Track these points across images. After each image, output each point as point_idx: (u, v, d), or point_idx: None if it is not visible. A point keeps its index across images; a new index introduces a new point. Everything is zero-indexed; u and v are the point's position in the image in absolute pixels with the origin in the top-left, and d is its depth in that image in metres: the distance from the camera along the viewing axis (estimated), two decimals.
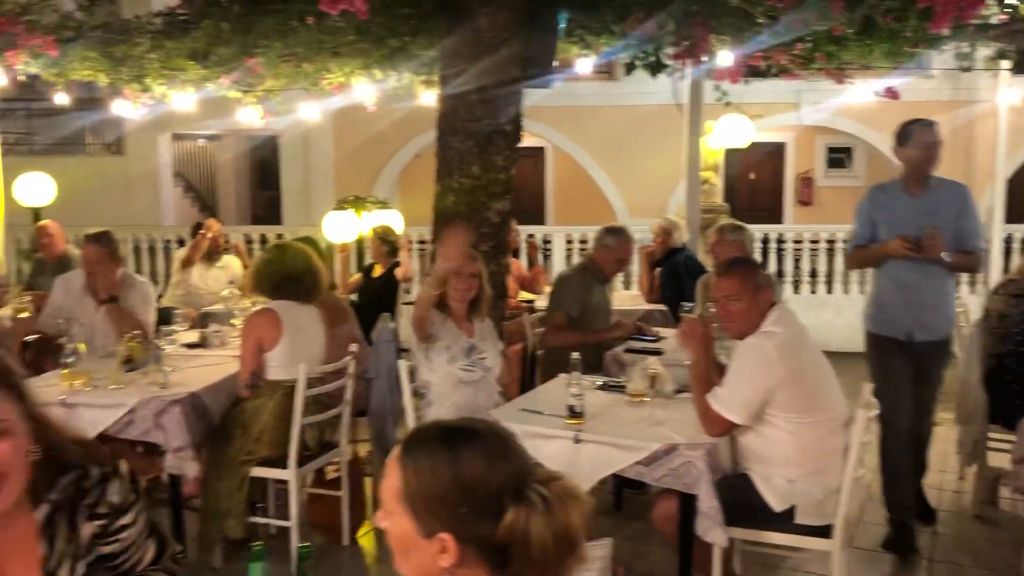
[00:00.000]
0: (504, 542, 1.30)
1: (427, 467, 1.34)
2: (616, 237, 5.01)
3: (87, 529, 1.70)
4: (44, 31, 6.24)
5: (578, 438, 3.23)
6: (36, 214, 7.00)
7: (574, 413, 3.31)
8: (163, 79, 6.83)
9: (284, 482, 3.91)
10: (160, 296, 6.37)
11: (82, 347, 3.98)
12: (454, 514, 1.31)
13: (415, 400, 3.91)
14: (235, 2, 5.29)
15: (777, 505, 3.15)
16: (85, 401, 3.73)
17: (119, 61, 6.65)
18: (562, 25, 5.10)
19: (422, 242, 9.21)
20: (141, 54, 6.52)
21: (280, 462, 3.85)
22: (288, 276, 3.98)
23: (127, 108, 7.35)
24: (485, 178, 4.85)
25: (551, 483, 1.35)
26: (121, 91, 7.14)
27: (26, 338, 4.45)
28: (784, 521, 3.15)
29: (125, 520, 1.74)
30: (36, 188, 7.02)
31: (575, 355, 3.41)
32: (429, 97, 7.29)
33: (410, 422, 3.87)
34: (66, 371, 3.85)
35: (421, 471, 1.34)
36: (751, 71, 5.78)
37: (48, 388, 3.73)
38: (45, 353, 4.39)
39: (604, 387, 3.82)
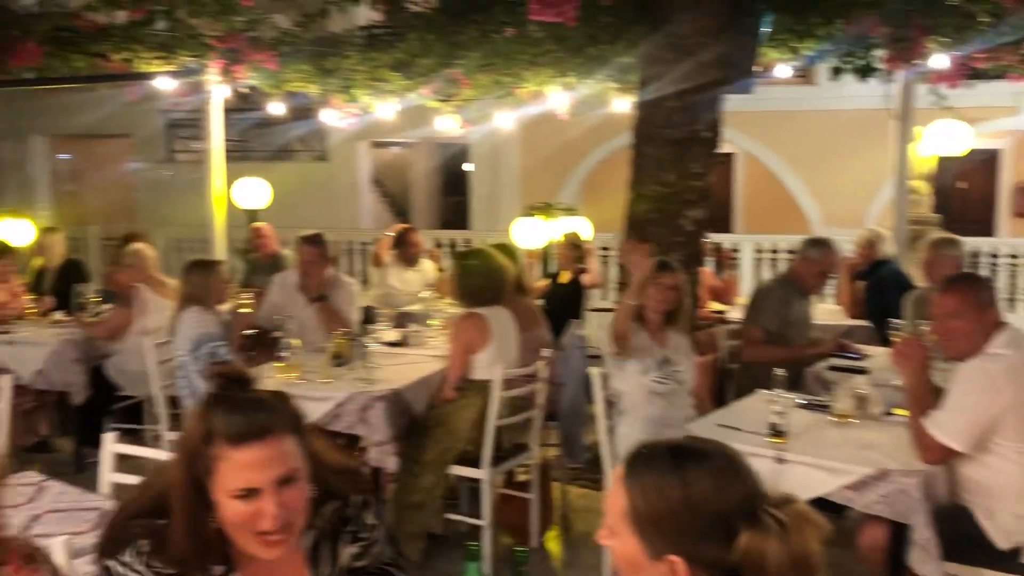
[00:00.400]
0: (737, 566, 1.25)
1: (654, 487, 1.30)
2: (819, 249, 4.80)
3: (348, 551, 1.75)
4: (266, 46, 6.73)
5: (781, 458, 3.10)
6: (252, 216, 7.53)
7: (776, 431, 3.19)
8: (368, 89, 7.20)
9: (475, 481, 4.01)
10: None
11: (296, 342, 4.23)
12: (684, 536, 1.28)
13: (607, 408, 3.90)
14: (440, 14, 5.49)
15: (1002, 542, 2.90)
16: (297, 393, 3.86)
17: (329, 73, 7.07)
18: (765, 29, 4.95)
19: (605, 249, 9.20)
20: (350, 66, 6.90)
21: (474, 461, 3.94)
22: (490, 282, 4.08)
23: (333, 117, 7.79)
24: (680, 185, 4.78)
25: (786, 506, 1.30)
26: (329, 101, 7.59)
27: (245, 332, 4.78)
28: (1008, 560, 2.91)
29: (377, 534, 1.78)
30: (252, 192, 7.57)
31: (778, 371, 3.29)
32: (620, 104, 7.28)
33: (600, 430, 3.86)
34: (280, 364, 4.11)
35: (648, 491, 1.31)
36: (972, 73, 5.40)
37: (264, 380, 3.99)
38: (262, 346, 4.70)
39: (806, 406, 3.65)
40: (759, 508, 1.28)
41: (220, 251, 7.36)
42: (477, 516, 4.01)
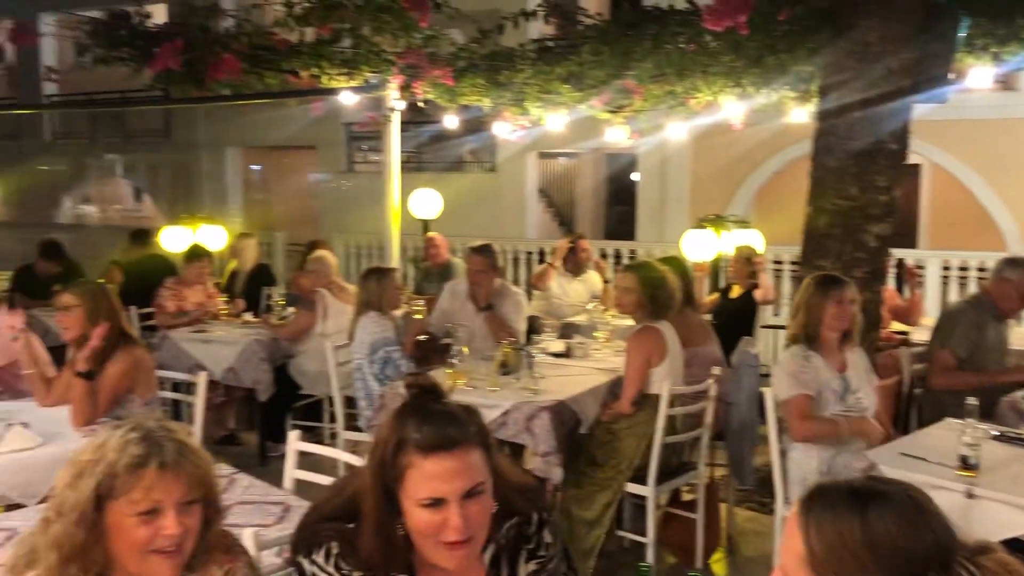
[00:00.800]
0: None
1: (834, 532, 1.22)
2: (1018, 269, 4.44)
3: (525, 569, 1.76)
4: (443, 62, 6.95)
5: (971, 492, 2.89)
6: (425, 225, 7.78)
7: (967, 464, 2.97)
8: (539, 102, 7.29)
9: (640, 497, 3.95)
10: None
11: (464, 349, 4.33)
12: None
13: (779, 430, 3.75)
14: (613, 25, 5.48)
15: None
16: (466, 400, 4.04)
17: (502, 86, 7.20)
18: (962, 34, 4.64)
19: (778, 262, 8.89)
20: (523, 79, 7.01)
21: (640, 477, 3.89)
22: (665, 295, 4.04)
23: (504, 130, 7.93)
24: (863, 199, 4.55)
25: (984, 555, 1.19)
26: (501, 114, 7.74)
27: (418, 337, 4.94)
28: None
29: (554, 552, 1.79)
30: (426, 202, 7.82)
31: (970, 400, 3.06)
32: (798, 113, 7.02)
33: (772, 452, 3.72)
34: (450, 370, 4.22)
35: (827, 535, 1.23)
36: None
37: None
38: (433, 352, 4.84)
39: (1001, 438, 3.39)
40: (953, 557, 1.18)
41: (394, 258, 7.65)
42: (641, 533, 3.96)
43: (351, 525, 1.66)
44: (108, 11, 7.84)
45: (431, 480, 1.55)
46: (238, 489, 2.86)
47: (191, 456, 1.61)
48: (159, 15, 8.87)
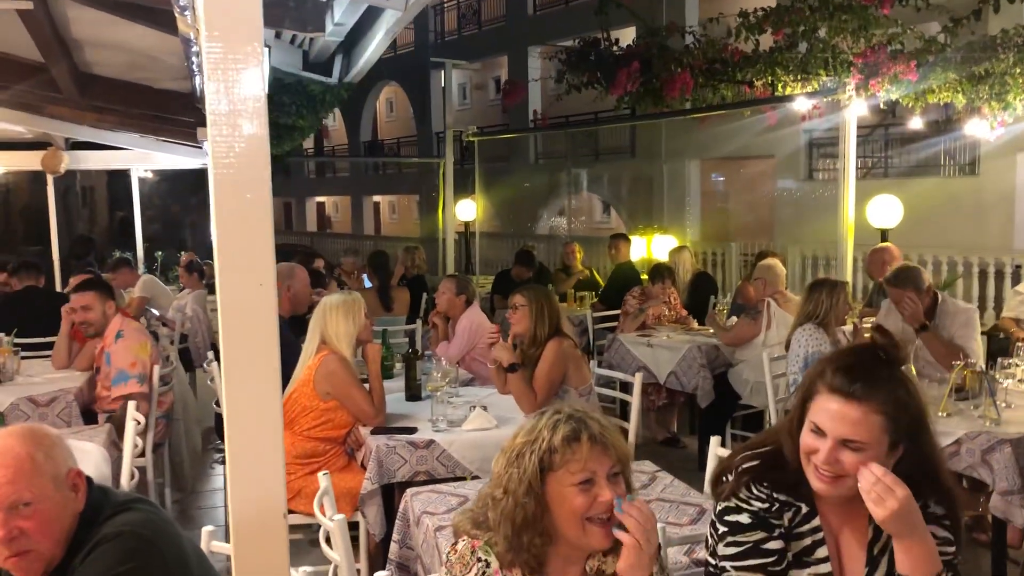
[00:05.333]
0: None
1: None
2: None
3: None
4: (906, 57, 6.45)
5: None
6: (883, 234, 7.26)
7: None
8: None
9: None
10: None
11: (911, 370, 3.97)
12: None
13: None
14: None
15: None
16: None
17: (979, 80, 6.46)
18: None
19: None
20: (1004, 70, 6.23)
21: None
22: None
23: (982, 128, 7.09)
24: None
25: None
26: (978, 111, 6.93)
27: None
28: None
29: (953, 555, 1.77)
30: (885, 210, 7.28)
31: None
32: None
33: None
34: None
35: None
36: None
37: None
38: None
39: None
40: None
41: (847, 269, 7.26)
42: None
43: (766, 448, 1.88)
44: (581, 39, 8.53)
45: (821, 412, 1.73)
46: (658, 487, 2.97)
47: (611, 432, 1.78)
48: (627, 38, 9.43)
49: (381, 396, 3.74)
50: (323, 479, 2.62)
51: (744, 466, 1.86)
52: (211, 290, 7.02)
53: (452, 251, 10.95)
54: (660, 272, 6.65)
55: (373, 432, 3.60)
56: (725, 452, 2.94)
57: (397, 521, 2.92)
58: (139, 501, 1.82)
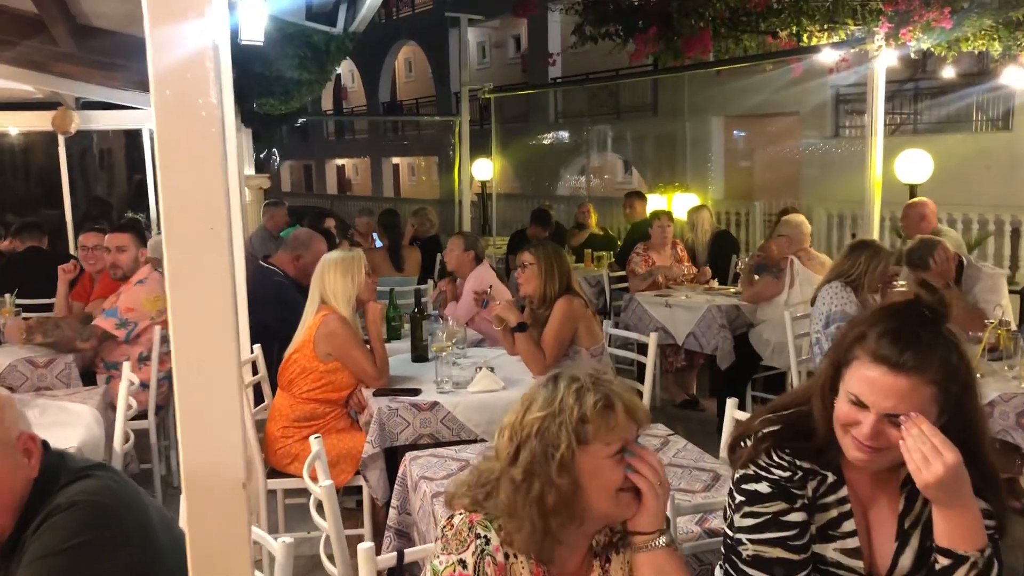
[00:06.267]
0: None
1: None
2: None
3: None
4: (940, 3, 6.14)
5: None
6: (912, 191, 7.00)
7: None
8: None
9: None
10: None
11: None
12: None
13: None
14: None
15: None
16: None
17: (1016, 26, 6.16)
18: None
19: None
20: None
21: None
22: None
23: (1020, 77, 6.78)
24: None
25: None
26: (1015, 59, 6.61)
27: None
28: None
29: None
30: (914, 165, 7.01)
31: None
32: None
33: None
34: None
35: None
36: None
37: None
38: None
39: None
40: None
41: (874, 227, 7.02)
42: None
43: (791, 411, 1.72)
44: None
45: (862, 383, 1.55)
46: (671, 450, 2.81)
47: (634, 395, 1.64)
48: None
49: (384, 357, 3.59)
50: (315, 443, 2.49)
51: (764, 431, 1.69)
52: None
53: (468, 212, 10.77)
54: (657, 214, 6.55)
55: (375, 394, 3.46)
56: (743, 415, 2.77)
57: (396, 486, 2.79)
58: (99, 467, 1.69)
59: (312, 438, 2.51)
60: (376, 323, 3.63)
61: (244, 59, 5.21)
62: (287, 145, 34.67)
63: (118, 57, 5.74)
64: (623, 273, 6.96)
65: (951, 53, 6.58)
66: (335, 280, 3.56)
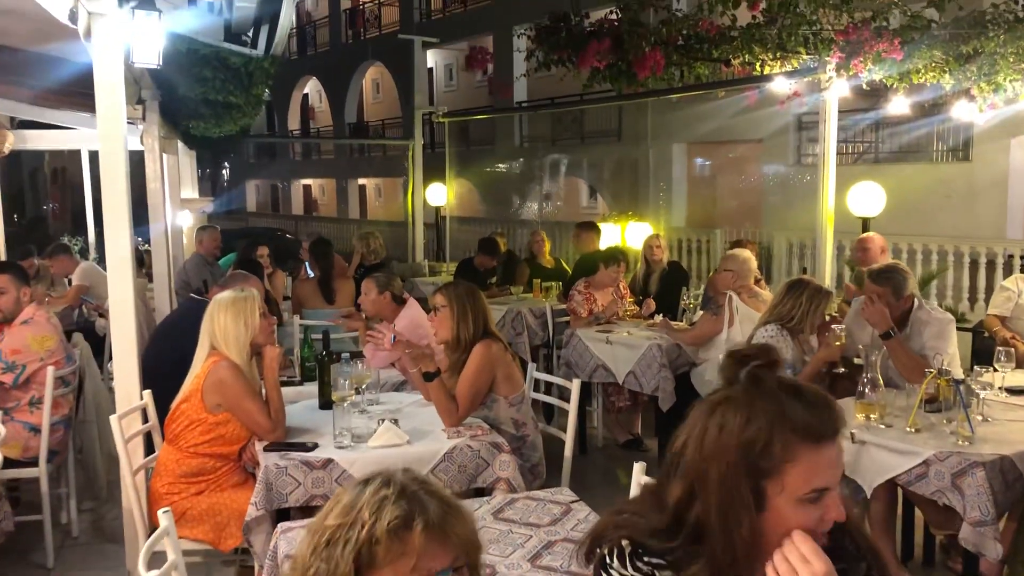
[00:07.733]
0: None
1: None
2: None
3: None
4: (891, 34, 6.01)
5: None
6: (864, 224, 6.84)
7: None
8: (1018, 75, 5.97)
9: None
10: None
11: (877, 380, 3.55)
12: None
13: None
14: None
15: None
16: (876, 440, 3.31)
17: (967, 59, 6.04)
18: None
19: None
20: (993, 49, 5.81)
21: None
22: None
23: (970, 111, 6.66)
24: None
25: None
26: (967, 92, 6.49)
27: (834, 371, 4.21)
28: None
29: None
30: (867, 198, 6.85)
31: None
32: None
33: None
34: (862, 402, 3.49)
35: None
36: None
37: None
38: (837, 378, 4.10)
39: None
40: None
41: (827, 259, 6.86)
42: None
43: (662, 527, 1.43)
44: (551, 14, 8.03)
45: (820, 470, 1.35)
46: (570, 523, 2.57)
47: (456, 514, 1.34)
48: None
49: (279, 407, 3.31)
50: (163, 518, 2.21)
51: (619, 535, 1.44)
52: (150, 279, 6.61)
53: (421, 236, 10.54)
54: (615, 257, 6.14)
55: (266, 448, 3.18)
56: (648, 479, 2.54)
57: (267, 560, 2.51)
58: None
59: (161, 512, 2.23)
60: (273, 370, 3.35)
61: (166, 82, 4.96)
62: (253, 165, 34.29)
63: (28, 76, 5.44)
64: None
65: (902, 85, 6.44)
66: (225, 323, 3.28)
